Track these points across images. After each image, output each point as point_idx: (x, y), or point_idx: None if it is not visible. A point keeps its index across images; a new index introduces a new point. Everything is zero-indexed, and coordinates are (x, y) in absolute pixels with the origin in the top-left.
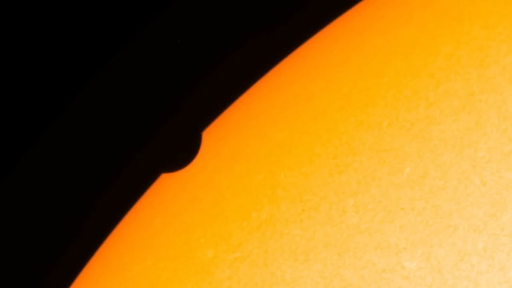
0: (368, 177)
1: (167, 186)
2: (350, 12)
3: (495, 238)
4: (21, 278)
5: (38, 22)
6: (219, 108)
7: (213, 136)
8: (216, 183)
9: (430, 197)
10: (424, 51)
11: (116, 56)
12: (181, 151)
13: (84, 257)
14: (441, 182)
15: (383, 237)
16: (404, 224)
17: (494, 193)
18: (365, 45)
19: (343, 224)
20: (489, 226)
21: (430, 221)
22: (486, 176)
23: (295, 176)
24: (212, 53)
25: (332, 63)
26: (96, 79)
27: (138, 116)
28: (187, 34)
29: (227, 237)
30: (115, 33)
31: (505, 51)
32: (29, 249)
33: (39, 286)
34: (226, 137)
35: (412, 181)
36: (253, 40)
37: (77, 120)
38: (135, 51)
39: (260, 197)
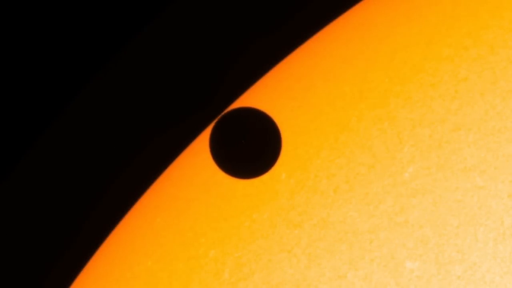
0: (369, 177)
1: (168, 186)
2: (351, 12)
3: (496, 238)
4: (21, 278)
5: (38, 22)
6: (220, 109)
7: None
8: (217, 183)
9: (431, 197)
10: (425, 51)
11: (116, 56)
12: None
13: (84, 257)
14: (443, 181)
15: (384, 237)
16: (405, 224)
17: (496, 193)
18: (366, 45)
19: (344, 224)
20: (491, 226)
21: (431, 220)
22: (488, 176)
23: (296, 176)
24: (212, 54)
25: (333, 64)
26: (96, 79)
27: (138, 116)
28: (187, 34)
29: (228, 237)
30: (115, 33)
31: (506, 51)
32: (29, 249)
33: (39, 286)
34: None
35: (414, 181)
36: (252, 42)
37: (77, 120)
38: (135, 51)
39: (261, 197)
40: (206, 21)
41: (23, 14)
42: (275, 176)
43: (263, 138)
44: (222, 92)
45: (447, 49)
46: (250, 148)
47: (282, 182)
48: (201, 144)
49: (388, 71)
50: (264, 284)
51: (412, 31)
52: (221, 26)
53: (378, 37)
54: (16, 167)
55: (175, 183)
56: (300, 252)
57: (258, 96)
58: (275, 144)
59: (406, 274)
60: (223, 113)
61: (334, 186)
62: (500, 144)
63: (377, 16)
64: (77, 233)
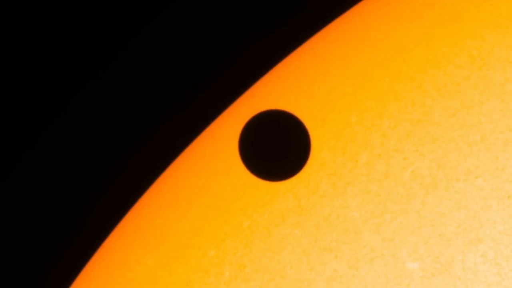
0: (370, 177)
1: (168, 186)
2: (351, 12)
3: (497, 238)
4: (21, 278)
5: (38, 22)
6: (218, 109)
7: (214, 137)
8: (217, 183)
9: (431, 197)
10: (425, 51)
11: (116, 56)
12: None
13: (84, 257)
14: (443, 182)
15: (385, 238)
16: (406, 225)
17: (496, 193)
18: (367, 46)
19: (345, 225)
20: (491, 226)
21: (432, 221)
22: (488, 176)
23: (296, 176)
24: (211, 54)
25: (333, 64)
26: (96, 79)
27: (138, 116)
28: (187, 34)
29: (228, 237)
30: (115, 33)
31: (505, 51)
32: (29, 249)
33: (39, 286)
34: (226, 138)
35: (414, 181)
36: (251, 42)
37: (77, 120)
38: (135, 51)
39: (261, 197)
40: (206, 21)
41: (23, 14)
42: None
43: (294, 140)
44: (221, 91)
45: (447, 49)
46: (282, 150)
47: (282, 182)
48: (201, 144)
49: (388, 71)
50: (264, 284)
51: (412, 31)
52: (220, 27)
53: (378, 37)
54: (16, 167)
55: (175, 183)
56: (300, 252)
57: (258, 97)
58: (305, 147)
59: (406, 274)
60: (256, 115)
61: (334, 186)
62: (500, 144)
63: (377, 16)
64: (77, 233)
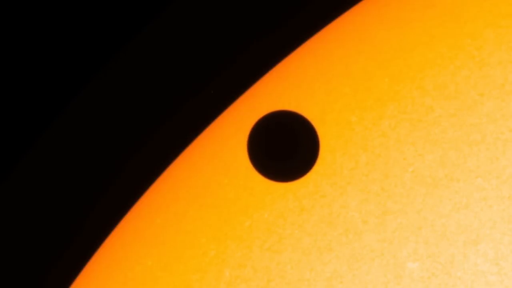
0: (370, 177)
1: (168, 186)
2: (351, 12)
3: (497, 238)
4: (21, 278)
5: (38, 22)
6: (218, 110)
7: (214, 137)
8: (218, 184)
9: (432, 197)
10: (425, 51)
11: (116, 56)
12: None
13: (84, 257)
14: (444, 182)
15: (385, 238)
16: (406, 225)
17: (497, 193)
18: (367, 46)
19: (345, 225)
20: (491, 226)
21: (432, 221)
22: (488, 176)
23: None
24: (210, 55)
25: (334, 64)
26: (96, 79)
27: (138, 116)
28: (187, 34)
29: (228, 237)
30: (115, 33)
31: (505, 51)
32: (29, 249)
33: (39, 286)
34: (227, 138)
35: (414, 181)
36: (250, 43)
37: (77, 120)
38: (135, 51)
39: (261, 197)
40: (206, 21)
41: (23, 14)
42: None
43: (304, 142)
44: (221, 92)
45: (447, 49)
46: (291, 151)
47: (283, 182)
48: (201, 145)
49: (388, 71)
50: (264, 284)
51: (412, 31)
52: (221, 27)
53: (378, 37)
54: (16, 167)
55: (175, 183)
56: (300, 252)
57: (258, 97)
58: (314, 148)
59: (406, 274)
60: (264, 116)
61: (334, 186)
62: (500, 145)
63: (377, 16)
64: (77, 233)
